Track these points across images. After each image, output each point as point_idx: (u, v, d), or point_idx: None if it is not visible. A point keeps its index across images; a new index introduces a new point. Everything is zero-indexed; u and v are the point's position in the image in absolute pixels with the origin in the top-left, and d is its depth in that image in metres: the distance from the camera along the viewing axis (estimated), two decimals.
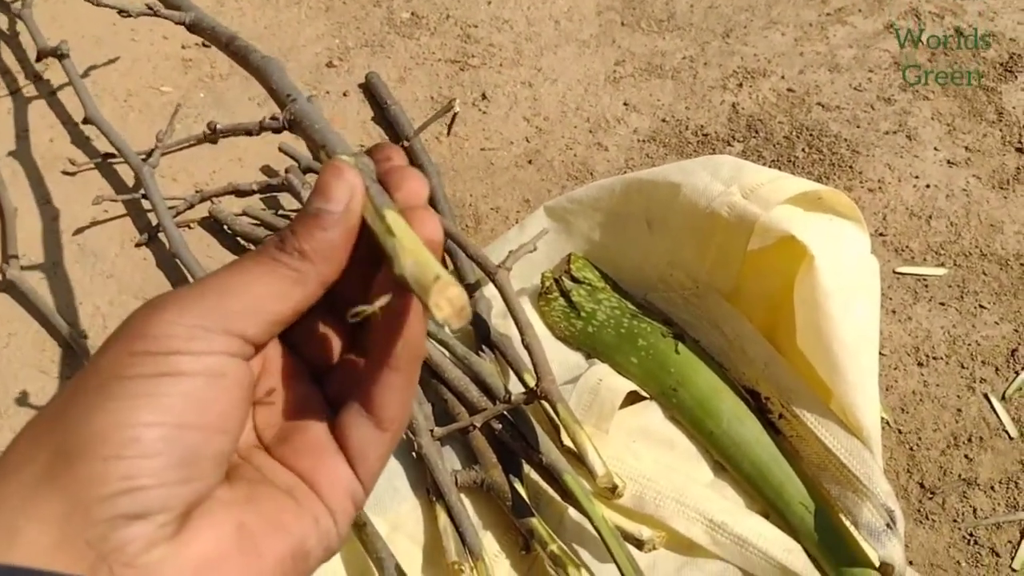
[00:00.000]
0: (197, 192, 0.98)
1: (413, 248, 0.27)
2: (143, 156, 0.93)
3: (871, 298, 0.74)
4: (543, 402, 0.71)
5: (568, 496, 0.69)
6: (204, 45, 1.15)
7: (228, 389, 0.28)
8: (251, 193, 0.97)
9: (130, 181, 1.01)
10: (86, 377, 0.27)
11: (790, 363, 0.75)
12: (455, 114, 1.04)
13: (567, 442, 0.72)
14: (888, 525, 0.66)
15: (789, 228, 0.70)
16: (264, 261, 0.29)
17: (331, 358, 0.33)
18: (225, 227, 0.95)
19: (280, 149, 0.99)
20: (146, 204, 0.97)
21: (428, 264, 0.27)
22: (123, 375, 0.27)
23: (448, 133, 1.05)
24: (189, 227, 0.97)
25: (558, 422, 0.71)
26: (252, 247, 0.95)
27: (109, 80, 1.11)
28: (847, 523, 0.69)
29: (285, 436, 0.31)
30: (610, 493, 0.70)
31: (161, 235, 0.95)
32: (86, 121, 0.97)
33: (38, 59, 1.07)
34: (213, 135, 0.87)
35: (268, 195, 0.99)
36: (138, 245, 0.95)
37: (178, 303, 0.28)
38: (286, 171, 0.95)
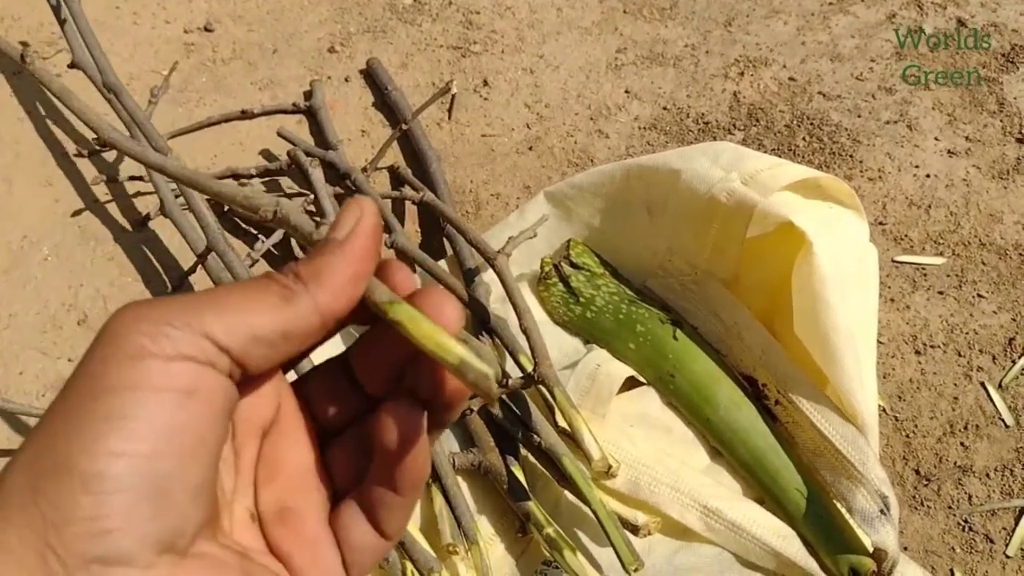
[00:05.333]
0: None
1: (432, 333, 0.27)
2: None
3: (869, 286, 0.74)
4: (540, 386, 0.71)
5: (566, 480, 0.70)
6: (206, 29, 1.15)
7: (201, 409, 0.26)
8: (250, 177, 0.97)
9: (132, 162, 1.01)
10: (68, 387, 0.25)
11: (787, 350, 0.75)
12: (453, 96, 1.04)
13: (563, 424, 0.72)
14: (882, 511, 0.66)
15: (788, 214, 0.71)
16: (256, 280, 0.28)
17: (343, 423, 0.31)
18: (225, 208, 0.95)
19: (279, 134, 0.99)
20: (144, 186, 0.98)
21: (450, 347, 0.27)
22: (93, 390, 0.25)
23: (449, 117, 1.05)
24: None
25: (555, 406, 0.71)
26: (252, 231, 0.95)
27: (112, 64, 1.11)
28: (842, 509, 0.69)
29: (282, 517, 0.29)
30: (605, 474, 0.70)
31: (157, 218, 0.95)
32: (108, 87, 0.96)
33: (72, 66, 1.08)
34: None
35: (268, 179, 1.00)
36: (142, 222, 0.95)
37: (151, 304, 0.26)
38: (288, 154, 0.95)
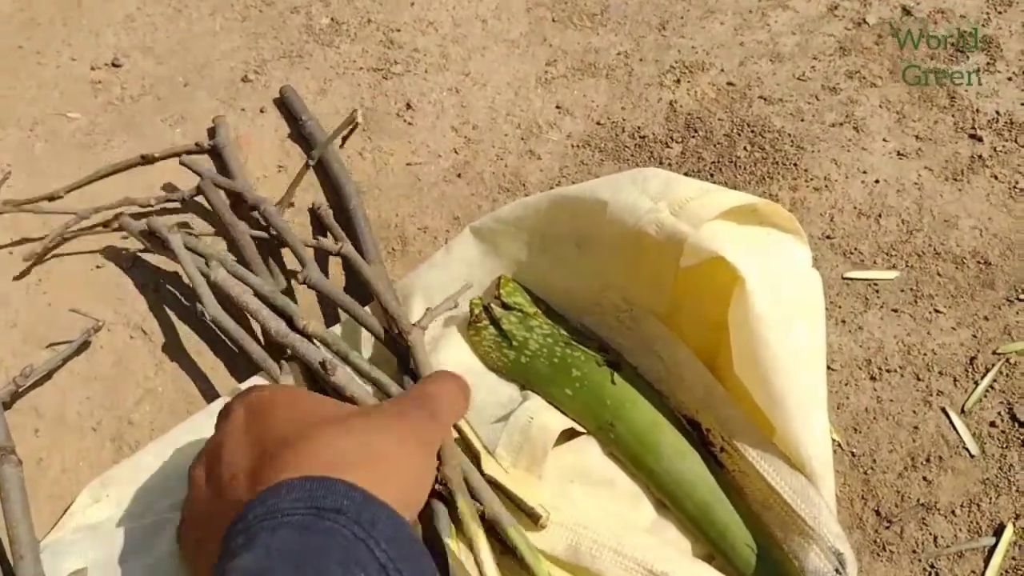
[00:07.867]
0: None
1: None
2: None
3: (813, 318, 0.68)
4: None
5: (510, 551, 0.64)
6: (114, 64, 1.08)
7: None
8: (150, 209, 0.91)
9: (44, 223, 0.94)
10: None
11: (732, 390, 0.69)
12: (355, 126, 0.98)
13: (505, 484, 0.67)
14: (837, 570, 0.61)
15: (719, 248, 0.65)
16: None
17: None
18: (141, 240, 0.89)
19: (181, 162, 0.93)
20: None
21: None
22: None
23: (342, 145, 0.98)
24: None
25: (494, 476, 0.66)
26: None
27: (15, 108, 1.05)
28: (796, 566, 0.64)
29: None
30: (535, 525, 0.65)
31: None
32: None
33: None
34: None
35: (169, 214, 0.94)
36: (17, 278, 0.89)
37: None
38: (198, 186, 0.89)
